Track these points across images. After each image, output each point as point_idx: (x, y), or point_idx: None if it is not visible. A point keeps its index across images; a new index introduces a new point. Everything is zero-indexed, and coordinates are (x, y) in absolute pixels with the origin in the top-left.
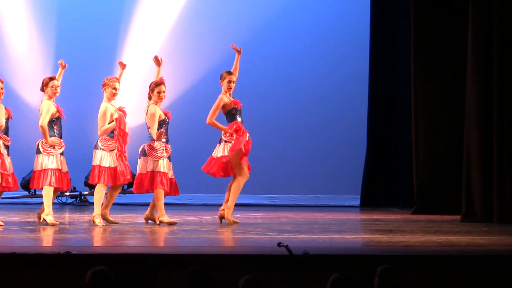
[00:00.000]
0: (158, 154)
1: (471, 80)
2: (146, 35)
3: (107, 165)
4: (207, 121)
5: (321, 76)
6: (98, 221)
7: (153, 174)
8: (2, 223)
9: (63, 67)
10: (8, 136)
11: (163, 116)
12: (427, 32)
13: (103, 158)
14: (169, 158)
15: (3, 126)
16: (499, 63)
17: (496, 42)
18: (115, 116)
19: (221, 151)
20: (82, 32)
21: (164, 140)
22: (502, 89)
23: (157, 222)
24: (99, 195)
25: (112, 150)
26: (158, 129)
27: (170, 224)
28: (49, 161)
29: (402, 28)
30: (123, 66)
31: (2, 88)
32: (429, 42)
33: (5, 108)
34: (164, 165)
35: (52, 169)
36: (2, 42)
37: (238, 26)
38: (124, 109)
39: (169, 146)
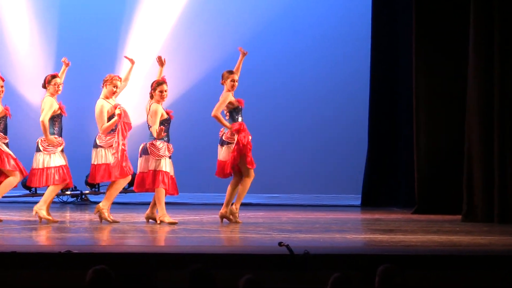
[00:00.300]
0: (160, 153)
1: (472, 75)
2: (147, 35)
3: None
4: (213, 113)
5: (322, 74)
6: (106, 215)
7: (156, 173)
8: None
9: (67, 65)
10: (6, 134)
11: (165, 115)
12: (428, 26)
13: (107, 155)
14: (170, 157)
15: None
16: (500, 58)
17: (497, 37)
18: (117, 112)
19: (225, 153)
20: (83, 31)
21: (165, 139)
22: (503, 84)
23: (158, 222)
24: (117, 192)
25: (111, 146)
26: (166, 129)
27: (171, 223)
28: (51, 159)
29: (404, 21)
30: (131, 61)
31: (2, 87)
32: (431, 36)
33: (5, 107)
34: (166, 164)
35: (55, 167)
36: (3, 41)
37: (239, 26)
38: (120, 105)
39: (171, 146)
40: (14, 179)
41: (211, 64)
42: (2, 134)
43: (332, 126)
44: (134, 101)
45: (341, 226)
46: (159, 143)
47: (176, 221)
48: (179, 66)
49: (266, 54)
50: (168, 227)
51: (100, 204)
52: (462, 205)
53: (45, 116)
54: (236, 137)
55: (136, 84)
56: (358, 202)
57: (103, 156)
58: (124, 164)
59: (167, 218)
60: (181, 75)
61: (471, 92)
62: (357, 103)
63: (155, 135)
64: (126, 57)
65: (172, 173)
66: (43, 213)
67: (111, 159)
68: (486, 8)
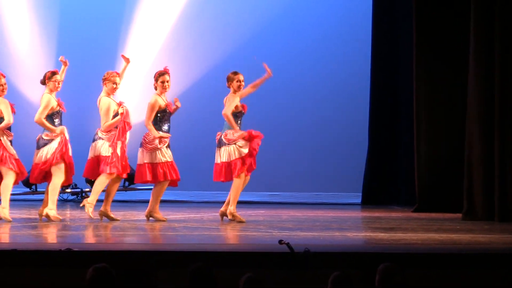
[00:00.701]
0: (151, 146)
1: (473, 83)
2: (147, 34)
3: (109, 154)
4: (224, 111)
5: (323, 76)
6: (90, 210)
7: (154, 166)
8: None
9: (65, 64)
10: (10, 131)
11: (163, 107)
12: (429, 34)
13: (105, 147)
14: (168, 146)
15: (12, 122)
16: (501, 65)
17: (498, 45)
18: (121, 111)
19: (225, 154)
20: (83, 30)
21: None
22: (503, 92)
23: (147, 215)
24: (101, 186)
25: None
26: (157, 119)
27: (160, 220)
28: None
29: (404, 29)
30: (127, 60)
31: (5, 84)
32: (431, 44)
33: (10, 104)
34: (163, 155)
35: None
36: (4, 40)
37: (239, 26)
38: (124, 104)
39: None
40: (8, 180)
41: (211, 63)
42: (7, 130)
43: (333, 126)
44: (134, 100)
45: (342, 224)
46: (150, 136)
47: (165, 218)
48: (179, 66)
49: (267, 53)
50: (168, 225)
51: (88, 199)
52: (462, 207)
53: (39, 115)
54: (241, 142)
55: (136, 84)
56: (359, 200)
57: (100, 148)
58: (123, 162)
59: (159, 216)
60: (181, 75)
61: (471, 99)
62: (358, 103)
63: (145, 123)
64: (122, 56)
65: (170, 159)
66: (53, 213)
67: (107, 153)
68: (486, 16)
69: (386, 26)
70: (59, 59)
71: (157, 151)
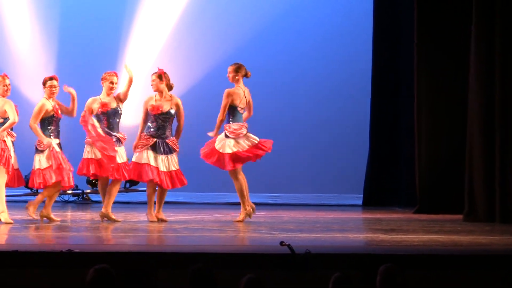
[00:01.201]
0: (138, 148)
1: (473, 84)
2: (148, 34)
3: (89, 157)
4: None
5: (324, 76)
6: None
7: (139, 165)
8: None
9: (71, 93)
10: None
11: (149, 108)
12: (430, 25)
13: (87, 150)
14: (153, 149)
15: (17, 121)
16: (501, 63)
17: (498, 41)
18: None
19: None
20: (84, 30)
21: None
22: (504, 90)
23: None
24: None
25: (92, 144)
26: (154, 122)
27: (153, 222)
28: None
29: (405, 23)
30: (129, 72)
31: (9, 84)
32: (433, 36)
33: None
34: (145, 157)
35: (47, 168)
36: (5, 41)
37: (240, 26)
38: (110, 105)
39: (149, 137)
40: (0, 180)
41: (212, 63)
42: (10, 131)
43: (333, 126)
44: (134, 101)
45: (343, 226)
46: (138, 138)
47: (167, 220)
48: (180, 66)
49: (268, 54)
50: (169, 226)
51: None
52: (463, 209)
53: (32, 121)
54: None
55: (137, 84)
56: (360, 202)
57: (89, 152)
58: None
59: (150, 217)
60: (182, 75)
61: (472, 100)
62: (358, 103)
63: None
64: (126, 66)
65: (159, 164)
66: (46, 213)
67: (86, 155)
68: (487, 11)
69: (388, 21)
70: (64, 90)
71: (142, 153)
